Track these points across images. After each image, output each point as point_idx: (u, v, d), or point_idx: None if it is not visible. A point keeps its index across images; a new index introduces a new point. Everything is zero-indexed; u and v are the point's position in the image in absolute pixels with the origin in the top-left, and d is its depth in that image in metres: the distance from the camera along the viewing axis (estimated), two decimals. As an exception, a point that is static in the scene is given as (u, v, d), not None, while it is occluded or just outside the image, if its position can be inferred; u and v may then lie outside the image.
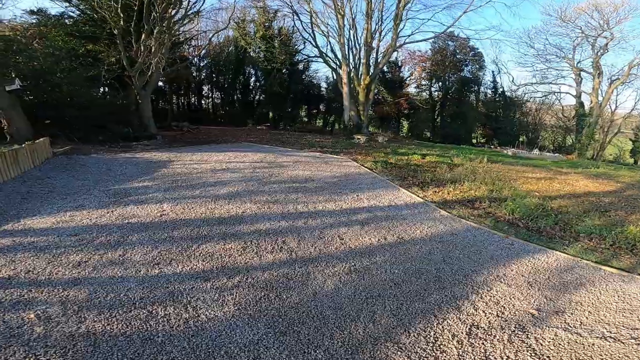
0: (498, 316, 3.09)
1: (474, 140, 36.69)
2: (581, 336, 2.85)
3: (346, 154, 11.96)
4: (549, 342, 2.77)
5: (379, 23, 20.44)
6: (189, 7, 15.50)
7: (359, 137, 17.75)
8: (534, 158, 20.67)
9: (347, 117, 20.82)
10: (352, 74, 20.83)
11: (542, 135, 38.41)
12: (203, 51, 31.26)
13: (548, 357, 2.60)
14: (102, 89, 16.19)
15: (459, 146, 24.82)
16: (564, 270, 4.09)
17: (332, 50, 22.61)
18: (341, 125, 29.74)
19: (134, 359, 2.32)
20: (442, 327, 2.89)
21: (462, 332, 2.83)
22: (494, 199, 6.98)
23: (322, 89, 34.18)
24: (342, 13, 19.46)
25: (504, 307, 3.24)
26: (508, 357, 2.58)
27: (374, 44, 20.67)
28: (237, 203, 5.70)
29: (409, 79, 35.09)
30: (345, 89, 20.32)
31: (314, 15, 21.06)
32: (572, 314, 3.18)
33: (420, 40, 25.46)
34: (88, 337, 2.50)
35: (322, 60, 22.37)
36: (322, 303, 3.09)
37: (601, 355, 2.64)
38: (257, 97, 31.70)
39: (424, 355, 2.55)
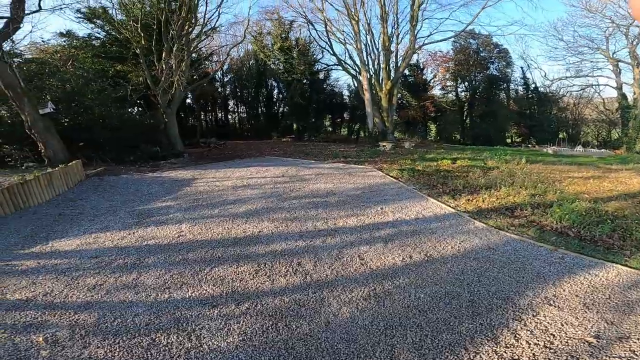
0: (546, 347, 2.60)
1: (508, 140, 34.84)
2: (656, 378, 2.33)
3: (371, 163, 11.57)
4: (614, 386, 2.28)
5: (395, 26, 20.09)
6: (204, 23, 16.00)
7: (384, 144, 17.29)
8: (578, 155, 19.15)
9: (371, 124, 20.45)
10: (372, 80, 20.51)
11: (584, 131, 35.81)
12: (225, 66, 32.39)
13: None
14: (130, 109, 16.98)
15: (491, 147, 23.53)
16: (627, 287, 3.47)
17: (351, 57, 22.61)
18: (366, 133, 29.34)
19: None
20: (476, 364, 2.47)
21: (502, 372, 2.41)
22: (536, 204, 6.30)
23: (345, 97, 34.05)
24: (357, 19, 19.29)
25: (554, 335, 2.75)
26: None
27: (393, 48, 20.29)
28: (255, 222, 5.53)
29: (432, 81, 34.18)
30: (366, 96, 20.00)
31: (328, 23, 21.10)
32: (639, 339, 2.64)
33: (440, 40, 24.90)
34: (88, 368, 2.40)
35: (341, 68, 22.30)
36: (334, 334, 2.77)
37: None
38: (280, 109, 32.12)
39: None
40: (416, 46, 19.72)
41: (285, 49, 24.02)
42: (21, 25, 9.42)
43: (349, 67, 21.93)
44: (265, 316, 3.02)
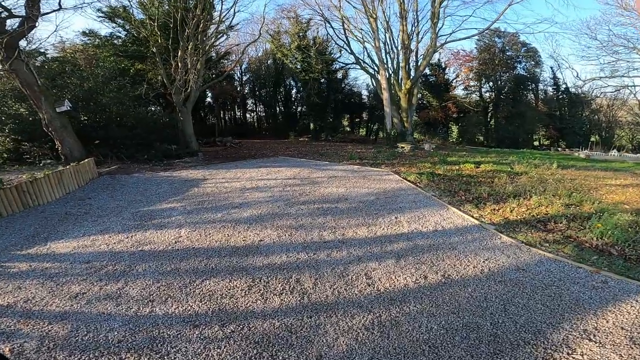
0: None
1: (536, 143, 33.18)
2: None
3: (388, 165, 11.01)
4: None
5: (415, 24, 19.33)
6: (220, 21, 15.89)
7: (402, 145, 16.63)
8: (612, 160, 17.78)
9: (390, 124, 19.78)
10: (391, 79, 19.84)
11: (618, 134, 33.59)
12: (244, 65, 32.47)
13: None
14: (149, 108, 17.14)
15: (518, 150, 22.36)
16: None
17: (369, 56, 22.06)
18: (385, 133, 28.62)
19: None
20: None
21: None
22: (572, 216, 5.62)
23: (364, 96, 33.46)
24: (375, 16, 18.68)
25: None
26: None
27: (412, 46, 19.55)
28: (257, 229, 5.17)
29: (454, 80, 32.96)
30: (385, 95, 19.36)
31: (345, 21, 20.60)
32: None
33: (463, 39, 23.77)
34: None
35: (359, 66, 21.74)
36: (327, 373, 2.36)
37: None
38: (298, 109, 31.91)
39: None
40: (437, 44, 18.90)
41: (303, 48, 23.72)
42: (36, 24, 9.49)
43: (367, 66, 21.36)
44: (250, 342, 2.63)
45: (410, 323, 2.89)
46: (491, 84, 32.54)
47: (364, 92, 33.73)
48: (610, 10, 31.35)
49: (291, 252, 4.33)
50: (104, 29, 20.40)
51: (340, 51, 26.17)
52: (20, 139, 11.19)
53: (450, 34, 19.75)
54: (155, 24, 13.64)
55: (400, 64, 19.64)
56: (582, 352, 2.55)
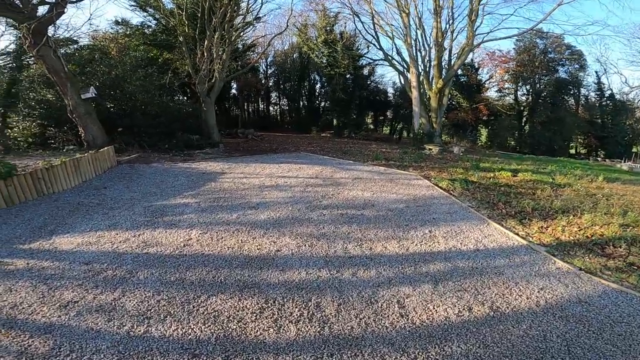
0: None
1: (572, 151, 31.11)
2: None
3: (416, 168, 10.27)
4: None
5: (450, 21, 18.21)
6: (247, 12, 15.50)
7: (430, 147, 15.75)
8: (660, 174, 16.18)
9: (417, 124, 18.85)
10: (421, 78, 18.87)
11: (664, 145, 30.94)
12: (269, 58, 32.18)
13: None
14: (172, 97, 17.09)
15: (554, 159, 20.88)
16: None
17: (398, 53, 20.98)
18: (410, 133, 27.53)
19: None
20: None
21: None
22: (632, 240, 4.85)
23: (389, 94, 32.46)
24: (407, 11, 17.72)
25: None
26: None
27: (446, 44, 18.47)
28: (274, 235, 4.67)
29: (488, 82, 31.34)
30: (414, 94, 18.44)
31: (375, 16, 19.70)
32: None
33: (503, 38, 22.24)
34: None
35: (387, 63, 20.81)
36: None
37: None
38: (322, 104, 31.36)
39: None
40: (474, 43, 17.76)
41: (330, 42, 23.03)
42: (65, 10, 9.37)
43: (396, 63, 20.44)
44: (258, 391, 2.13)
45: (457, 377, 2.30)
46: (529, 87, 30.75)
47: (390, 90, 32.74)
48: None
49: (311, 267, 3.80)
50: (136, 17, 20.65)
51: (368, 47, 25.34)
52: (46, 124, 11.25)
53: (488, 32, 18.51)
54: (184, 13, 13.40)
55: (432, 62, 18.65)
56: None
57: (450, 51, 19.03)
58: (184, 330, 2.66)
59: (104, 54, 14.63)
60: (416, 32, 19.00)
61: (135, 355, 2.38)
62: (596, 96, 31.35)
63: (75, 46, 15.42)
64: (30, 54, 9.43)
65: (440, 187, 7.78)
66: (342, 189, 7.15)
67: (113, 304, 3.01)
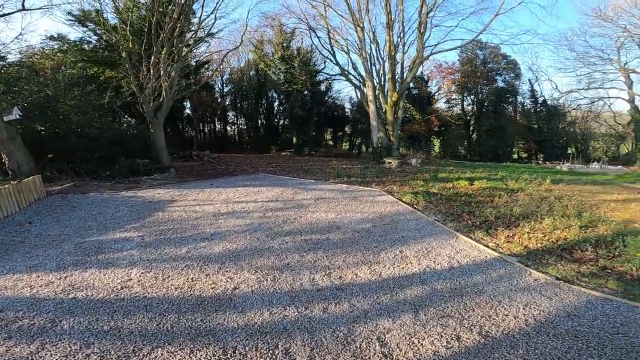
0: None
1: (515, 156, 33.47)
2: None
3: (378, 184, 10.13)
4: None
5: (401, 35, 19.05)
6: (199, 27, 14.96)
7: (389, 160, 15.93)
8: (594, 172, 17.77)
9: (376, 138, 19.13)
10: (377, 91, 19.34)
11: (593, 146, 34.53)
12: (225, 76, 31.48)
13: None
14: (117, 119, 15.79)
15: (501, 164, 22.22)
16: None
17: (354, 67, 21.32)
18: (369, 147, 28.00)
19: None
20: None
21: None
22: (595, 241, 4.95)
23: (347, 109, 33.02)
24: (362, 26, 18.23)
25: None
26: None
27: (398, 57, 19.19)
28: (232, 270, 4.09)
29: (437, 93, 33.08)
30: (371, 108, 18.76)
31: (331, 30, 20.09)
32: None
33: (449, 50, 23.65)
34: None
35: (344, 78, 21.17)
36: None
37: None
38: (280, 122, 31.04)
39: None
40: (424, 55, 18.62)
41: (286, 58, 22.97)
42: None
43: (352, 77, 20.82)
44: None
45: None
46: (473, 97, 32.76)
47: (347, 105, 33.34)
48: (587, 21, 32.59)
49: (276, 305, 3.28)
50: (74, 33, 18.80)
51: (325, 62, 25.62)
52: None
53: (436, 44, 19.49)
54: (129, 28, 12.50)
55: (387, 76, 19.20)
56: None
57: (402, 64, 19.73)
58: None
59: (33, 71, 13.14)
60: (370, 47, 19.58)
61: None
62: (531, 103, 34.04)
63: (2, 63, 13.75)
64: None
65: (405, 202, 7.64)
66: (304, 212, 6.70)
67: (30, 358, 2.32)
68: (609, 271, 4.06)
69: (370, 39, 19.35)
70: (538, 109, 33.69)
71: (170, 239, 5.24)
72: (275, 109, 31.28)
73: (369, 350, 2.63)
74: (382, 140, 18.86)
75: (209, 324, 2.96)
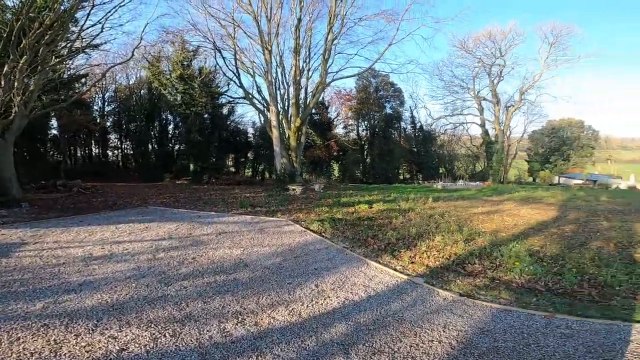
0: None
1: (401, 177, 37.95)
2: None
3: (284, 213, 9.82)
4: None
5: (307, 60, 20.01)
6: (78, 36, 12.73)
7: (293, 187, 15.96)
8: (461, 189, 21.36)
9: (279, 164, 19.04)
10: (281, 116, 19.55)
11: (457, 165, 41.81)
12: (109, 93, 27.52)
13: None
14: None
15: (392, 186, 24.73)
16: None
17: (259, 91, 21.22)
18: (272, 174, 27.74)
19: None
20: None
21: None
22: (478, 254, 5.62)
23: (250, 134, 32.57)
24: (270, 48, 18.44)
25: None
26: None
27: (303, 82, 19.98)
28: (114, 327, 3.12)
29: (336, 119, 35.42)
30: (274, 133, 18.74)
31: (238, 52, 19.74)
32: None
33: (348, 76, 25.41)
34: None
35: (248, 102, 20.85)
36: None
37: None
38: (176, 147, 28.44)
39: None
40: (327, 81, 19.81)
41: (186, 78, 21.31)
42: None
43: (256, 101, 20.60)
44: None
45: None
46: (366, 122, 36.11)
47: (250, 130, 32.87)
48: (455, 53, 38.31)
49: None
50: None
51: (229, 84, 24.76)
52: None
53: (338, 71, 20.96)
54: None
55: (291, 100, 19.60)
56: None
57: (306, 89, 20.48)
58: None
59: None
60: (277, 70, 19.82)
61: None
62: (411, 128, 39.31)
63: None
64: None
65: (312, 231, 7.53)
66: (205, 250, 5.88)
67: None
68: (498, 282, 4.55)
69: (277, 62, 19.72)
70: (416, 134, 39.10)
71: (18, 292, 3.86)
72: (170, 132, 28.63)
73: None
74: (286, 166, 18.91)
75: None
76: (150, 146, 28.03)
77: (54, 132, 24.25)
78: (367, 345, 2.96)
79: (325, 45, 18.94)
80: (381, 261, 5.39)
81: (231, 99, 25.60)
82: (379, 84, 34.88)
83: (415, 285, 4.41)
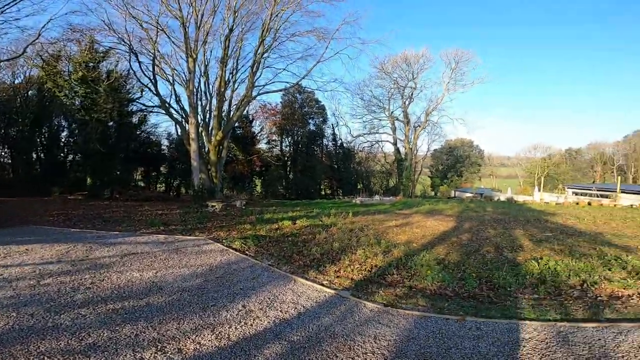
0: None
1: (323, 192, 39.15)
2: None
3: (202, 231, 9.16)
4: None
5: (234, 72, 19.46)
6: None
7: (213, 203, 15.08)
8: (377, 204, 22.82)
9: (197, 180, 17.83)
10: (201, 129, 18.49)
11: (373, 182, 44.97)
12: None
13: None
14: None
15: (314, 201, 25.24)
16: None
17: (178, 100, 19.63)
18: (189, 189, 25.79)
19: None
20: None
21: None
22: (395, 265, 6.04)
23: (164, 146, 29.92)
24: (195, 57, 17.40)
25: None
26: None
27: (227, 95, 19.32)
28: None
29: (259, 134, 35.07)
30: (193, 146, 17.57)
31: (158, 57, 18.12)
32: None
33: (275, 91, 25.32)
34: None
35: (164, 111, 19.15)
36: None
37: None
38: (69, 157, 24.45)
39: None
40: (253, 94, 19.45)
41: (89, 81, 18.52)
42: None
43: (174, 111, 19.02)
44: None
45: None
46: (290, 138, 36.54)
47: (165, 142, 30.23)
48: (376, 74, 40.57)
49: None
50: None
51: (142, 91, 22.28)
52: None
53: (265, 85, 20.73)
54: None
55: (213, 113, 18.69)
56: None
57: (230, 102, 19.82)
58: None
59: None
60: (200, 80, 18.74)
61: None
62: (333, 145, 41.05)
63: None
64: None
65: (235, 249, 7.19)
66: (107, 273, 5.10)
67: None
68: (415, 290, 4.93)
69: (201, 71, 18.73)
70: (337, 151, 40.94)
71: None
72: (64, 140, 24.55)
73: None
74: (205, 182, 17.83)
75: None
76: (35, 155, 23.56)
77: None
78: (302, 365, 2.91)
79: (255, 58, 18.79)
80: (308, 277, 5.41)
81: (144, 107, 23.16)
82: (304, 100, 35.84)
83: (343, 298, 4.52)
